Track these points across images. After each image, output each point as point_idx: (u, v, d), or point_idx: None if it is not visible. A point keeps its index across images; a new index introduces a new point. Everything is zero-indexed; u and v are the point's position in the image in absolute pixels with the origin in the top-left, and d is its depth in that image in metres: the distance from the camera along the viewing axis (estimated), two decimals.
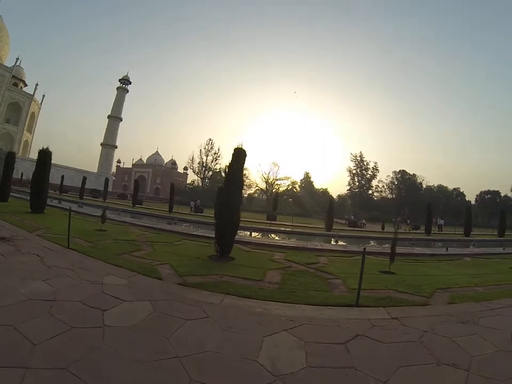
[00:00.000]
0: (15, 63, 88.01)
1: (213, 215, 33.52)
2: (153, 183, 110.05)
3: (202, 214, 37.76)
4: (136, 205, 38.22)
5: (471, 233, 32.62)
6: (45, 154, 18.20)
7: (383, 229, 35.69)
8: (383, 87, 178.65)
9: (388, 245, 15.36)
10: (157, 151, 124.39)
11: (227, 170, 10.33)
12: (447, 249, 16.33)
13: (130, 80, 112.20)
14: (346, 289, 7.41)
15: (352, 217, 49.09)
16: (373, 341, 4.56)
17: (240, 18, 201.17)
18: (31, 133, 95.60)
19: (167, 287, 6.52)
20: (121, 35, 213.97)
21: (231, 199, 10.00)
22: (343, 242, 21.63)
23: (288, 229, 27.57)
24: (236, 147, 10.14)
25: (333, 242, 20.37)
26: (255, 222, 32.66)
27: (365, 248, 8.26)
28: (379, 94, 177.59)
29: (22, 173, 63.27)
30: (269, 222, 34.55)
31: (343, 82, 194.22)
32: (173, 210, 35.58)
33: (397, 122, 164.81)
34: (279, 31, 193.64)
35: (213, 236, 10.38)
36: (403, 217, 47.05)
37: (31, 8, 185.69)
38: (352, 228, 36.67)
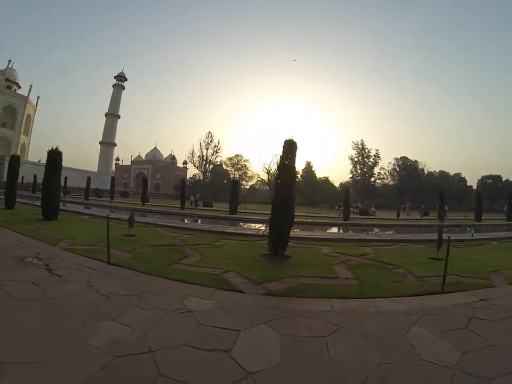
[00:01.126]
0: (8, 65, 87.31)
1: (222, 209, 34.83)
2: (153, 179, 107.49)
3: (211, 208, 36.91)
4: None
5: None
6: (55, 155, 16.39)
7: (398, 216, 36.05)
8: (381, 75, 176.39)
9: (417, 233, 16.74)
10: (155, 146, 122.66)
11: (279, 163, 9.83)
12: (472, 234, 16.63)
13: (126, 77, 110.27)
14: (415, 277, 7.51)
15: (360, 205, 48.25)
16: (485, 321, 4.84)
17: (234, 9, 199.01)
18: (27, 136, 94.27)
19: (260, 301, 5.75)
20: (115, 32, 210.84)
21: (286, 193, 9.39)
22: (367, 231, 21.30)
23: (309, 220, 26.67)
24: (287, 139, 9.63)
25: (361, 232, 19.97)
26: (267, 213, 31.18)
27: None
28: (378, 82, 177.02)
29: (23, 176, 60.25)
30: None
31: (342, 71, 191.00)
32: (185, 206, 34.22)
33: (398, 110, 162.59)
34: (276, 18, 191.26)
35: (249, 233, 11.03)
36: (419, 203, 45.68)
37: (20, 7, 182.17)
38: (365, 216, 35.96)
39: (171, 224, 16.53)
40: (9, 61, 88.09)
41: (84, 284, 6.06)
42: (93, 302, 5.19)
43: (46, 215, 15.88)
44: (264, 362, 3.53)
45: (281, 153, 9.72)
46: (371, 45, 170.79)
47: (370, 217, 35.60)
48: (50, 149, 16.41)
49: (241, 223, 23.77)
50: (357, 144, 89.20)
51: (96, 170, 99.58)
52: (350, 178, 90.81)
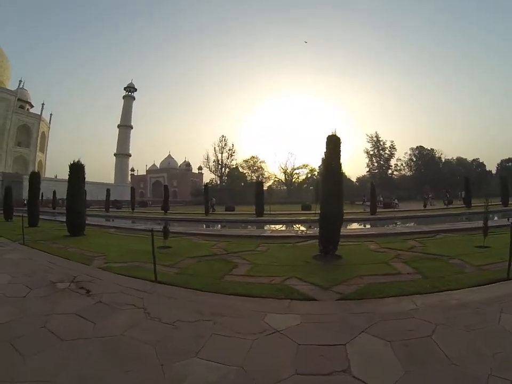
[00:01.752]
0: (19, 85, 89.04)
1: (247, 212, 33.92)
2: (170, 186, 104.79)
3: (234, 212, 36.17)
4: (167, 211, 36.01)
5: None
6: (77, 168, 15.55)
7: (425, 207, 35.20)
8: (395, 64, 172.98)
9: (452, 222, 16.65)
10: (169, 154, 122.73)
11: (325, 159, 9.70)
12: (508, 219, 16.09)
13: (136, 87, 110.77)
14: (473, 267, 7.21)
15: (381, 198, 46.74)
16: None
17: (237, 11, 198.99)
18: (43, 153, 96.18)
19: (343, 308, 5.20)
20: (122, 43, 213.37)
21: (335, 190, 8.99)
22: (400, 223, 20.89)
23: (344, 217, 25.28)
24: (330, 134, 9.35)
25: (392, 225, 19.60)
26: (297, 213, 30.86)
27: None
28: (389, 71, 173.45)
29: (42, 193, 60.33)
30: (304, 212, 33.29)
31: (354, 64, 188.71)
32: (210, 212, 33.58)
33: (411, 99, 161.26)
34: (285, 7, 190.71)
35: (288, 235, 10.26)
36: (444, 193, 44.28)
37: (26, 27, 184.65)
38: (390, 209, 35.23)
39: (204, 232, 15.82)
40: (20, 81, 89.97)
41: (140, 312, 5.07)
42: (161, 335, 4.22)
43: (72, 231, 15.05)
44: (391, 375, 3.16)
45: (325, 150, 9.43)
46: (384, 30, 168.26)
47: (395, 209, 34.72)
48: (72, 163, 15.56)
49: (271, 226, 23.10)
50: (372, 137, 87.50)
51: (111, 182, 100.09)
52: (367, 172, 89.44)
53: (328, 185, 9.15)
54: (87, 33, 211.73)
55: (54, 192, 49.40)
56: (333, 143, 9.32)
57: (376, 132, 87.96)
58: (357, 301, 5.40)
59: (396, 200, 42.87)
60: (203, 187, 37.80)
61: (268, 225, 23.26)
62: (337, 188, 9.04)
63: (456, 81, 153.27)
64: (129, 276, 7.38)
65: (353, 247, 10.40)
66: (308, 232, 15.42)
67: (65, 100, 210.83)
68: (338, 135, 9.35)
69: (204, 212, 32.56)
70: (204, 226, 22.61)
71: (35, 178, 20.04)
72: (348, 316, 4.79)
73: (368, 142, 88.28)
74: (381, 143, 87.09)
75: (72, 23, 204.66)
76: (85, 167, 15.81)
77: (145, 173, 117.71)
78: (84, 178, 15.86)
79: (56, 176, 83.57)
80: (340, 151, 9.42)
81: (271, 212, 31.31)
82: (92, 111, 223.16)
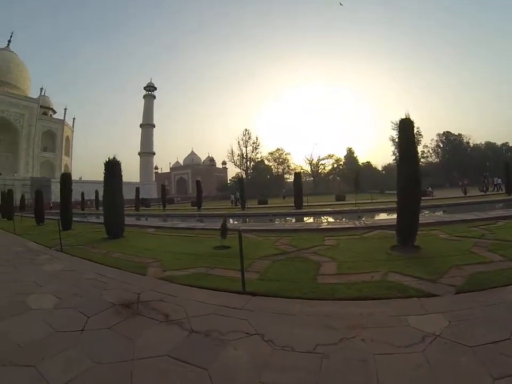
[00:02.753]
0: (40, 93, 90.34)
1: (283, 205, 33.01)
2: (194, 182, 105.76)
3: (269, 205, 34.83)
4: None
5: None
6: (113, 166, 14.07)
7: (465, 194, 33.56)
8: (421, 48, 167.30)
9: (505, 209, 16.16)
10: (192, 150, 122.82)
11: (399, 144, 9.47)
12: None
13: (155, 86, 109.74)
14: None
15: None
16: None
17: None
18: (69, 156, 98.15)
19: (469, 302, 4.49)
20: (140, 42, 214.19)
21: (413, 177, 8.40)
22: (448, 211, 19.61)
23: (389, 206, 23.78)
24: (403, 118, 9.04)
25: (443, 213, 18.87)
26: (335, 204, 31.04)
27: None
28: (417, 57, 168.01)
29: (83, 192, 62.11)
30: (340, 202, 32.51)
31: (378, 49, 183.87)
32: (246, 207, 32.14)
33: (438, 83, 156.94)
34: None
35: (349, 226, 10.16)
36: (482, 179, 41.58)
37: (43, 33, 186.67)
38: (428, 197, 32.59)
39: (258, 227, 14.20)
40: (41, 89, 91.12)
41: (258, 341, 3.70)
42: (314, 373, 3.01)
43: (111, 233, 13.62)
44: None
45: (398, 134, 9.31)
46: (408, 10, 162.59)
47: (433, 197, 32.26)
48: (107, 160, 14.09)
49: (317, 217, 22.07)
50: (397, 124, 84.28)
51: (135, 180, 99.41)
52: (393, 160, 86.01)
53: (405, 171, 8.54)
54: (103, 34, 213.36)
55: (82, 194, 48.86)
56: (407, 127, 9.00)
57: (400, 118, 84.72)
58: (477, 293, 4.82)
59: (430, 188, 40.78)
60: (236, 180, 36.16)
61: (314, 217, 22.13)
62: (415, 174, 8.45)
63: (483, 65, 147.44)
64: (205, 287, 5.88)
65: (422, 237, 9.22)
66: (366, 222, 14.37)
67: (86, 103, 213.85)
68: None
69: (240, 207, 31.49)
70: (247, 221, 21.06)
71: (66, 179, 18.83)
72: (486, 309, 4.23)
73: (394, 129, 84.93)
74: None
75: (88, 25, 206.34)
76: (121, 164, 14.36)
77: (169, 170, 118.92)
78: (121, 176, 14.38)
79: (80, 178, 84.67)
80: (414, 135, 9.18)
81: (309, 204, 30.01)
82: (112, 113, 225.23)
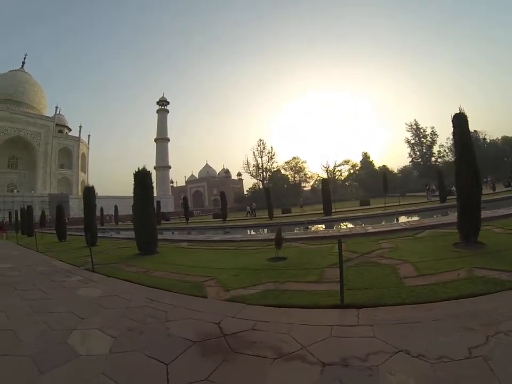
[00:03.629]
0: (55, 111, 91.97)
1: (310, 212, 31.86)
2: (210, 195, 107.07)
3: (293, 214, 33.77)
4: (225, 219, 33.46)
5: None
6: (143, 176, 12.84)
7: (494, 190, 32.29)
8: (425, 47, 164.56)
9: None
10: (207, 163, 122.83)
11: (455, 140, 8.81)
12: None
13: (168, 100, 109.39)
14: None
15: (434, 187, 42.97)
16: None
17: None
18: (85, 173, 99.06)
19: None
20: (152, 57, 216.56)
21: (472, 172, 8.11)
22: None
23: (419, 207, 25.12)
24: (458, 112, 8.53)
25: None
26: (362, 208, 30.73)
27: None
28: (421, 53, 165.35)
29: (102, 207, 61.85)
30: (367, 207, 32.10)
31: (387, 49, 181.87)
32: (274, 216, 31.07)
33: (450, 80, 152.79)
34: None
35: (396, 228, 10.28)
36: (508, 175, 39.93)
37: (56, 53, 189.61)
38: (453, 196, 30.92)
39: (303, 236, 13.46)
40: (56, 107, 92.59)
41: (406, 358, 3.07)
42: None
43: (143, 249, 12.30)
44: None
45: (454, 130, 8.74)
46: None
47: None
48: (137, 170, 12.83)
49: (352, 222, 21.36)
50: (411, 125, 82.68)
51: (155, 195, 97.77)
52: (410, 162, 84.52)
53: (463, 167, 8.29)
54: (116, 51, 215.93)
55: (101, 209, 47.71)
56: (462, 122, 8.52)
57: (415, 120, 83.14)
58: None
59: (453, 187, 38.60)
60: (253, 191, 34.99)
61: (347, 223, 21.80)
62: (474, 169, 8.17)
63: (491, 60, 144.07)
64: (294, 306, 4.94)
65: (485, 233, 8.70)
66: (411, 223, 14.72)
67: (100, 120, 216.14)
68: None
69: (268, 217, 30.36)
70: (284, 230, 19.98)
71: (90, 193, 17.59)
72: None
73: (408, 131, 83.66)
74: (421, 130, 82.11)
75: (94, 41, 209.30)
76: (151, 175, 13.13)
77: (184, 184, 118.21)
78: (152, 187, 13.18)
79: (96, 194, 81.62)
80: (469, 129, 8.67)
81: (337, 210, 29.26)
82: (127, 128, 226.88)
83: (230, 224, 26.53)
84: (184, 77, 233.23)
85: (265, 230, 22.94)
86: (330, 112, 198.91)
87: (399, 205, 28.15)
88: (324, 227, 20.95)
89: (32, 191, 75.86)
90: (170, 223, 41.33)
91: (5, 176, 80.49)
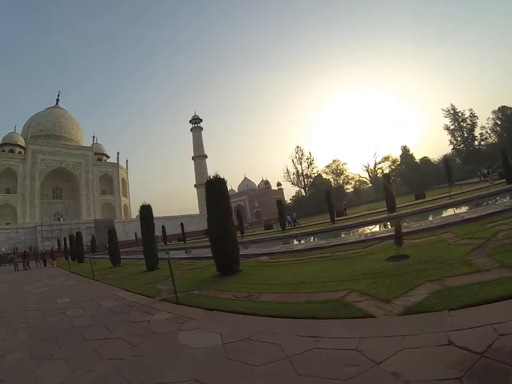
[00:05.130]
0: (93, 141, 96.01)
1: (357, 214, 30.15)
2: (252, 208, 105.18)
3: (352, 216, 31.25)
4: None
5: None
6: (218, 184, 10.63)
7: None
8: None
9: None
10: (245, 176, 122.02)
11: None
12: None
13: (201, 118, 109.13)
14: None
15: (486, 171, 41.31)
16: None
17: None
18: (126, 197, 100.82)
19: None
20: (179, 79, 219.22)
21: None
22: None
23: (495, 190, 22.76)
24: None
25: None
26: (422, 201, 28.74)
27: None
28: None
29: (135, 233, 62.67)
30: (422, 200, 30.10)
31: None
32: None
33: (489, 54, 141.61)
34: None
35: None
36: None
37: (89, 85, 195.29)
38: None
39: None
40: (93, 137, 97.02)
41: None
42: None
43: (224, 268, 10.06)
44: None
45: None
46: None
47: None
48: (209, 178, 10.73)
49: (427, 215, 19.96)
50: (448, 110, 77.67)
51: (194, 213, 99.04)
52: (452, 149, 79.07)
53: None
54: (145, 76, 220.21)
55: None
56: None
57: (451, 104, 77.97)
58: None
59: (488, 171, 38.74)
60: (295, 199, 33.38)
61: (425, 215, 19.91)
62: None
63: None
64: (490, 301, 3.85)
65: None
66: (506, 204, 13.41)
67: (136, 144, 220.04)
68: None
69: (330, 221, 28.52)
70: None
71: (147, 211, 15.45)
72: None
73: (446, 116, 78.51)
74: (459, 114, 76.71)
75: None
76: (226, 183, 10.83)
77: None
78: (229, 197, 10.97)
79: (137, 217, 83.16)
80: None
81: (398, 206, 26.87)
82: (162, 149, 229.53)
83: (295, 233, 24.58)
84: (214, 93, 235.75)
85: (342, 232, 21.21)
86: (363, 110, 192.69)
87: (463, 192, 26.23)
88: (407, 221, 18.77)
89: (76, 219, 77.42)
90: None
91: (51, 206, 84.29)
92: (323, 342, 3.84)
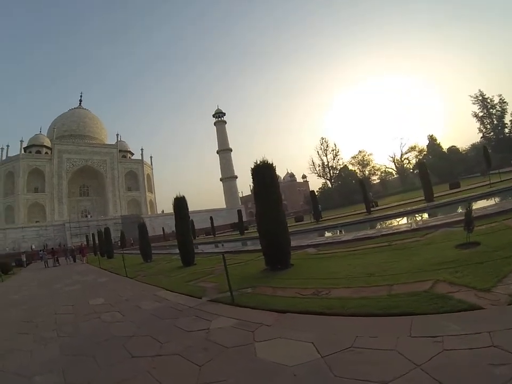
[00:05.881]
0: (117, 139, 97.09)
1: (393, 204, 28.80)
2: None
3: (386, 207, 29.47)
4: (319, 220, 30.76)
5: None
6: (265, 170, 9.56)
7: None
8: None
9: None
10: None
11: None
12: None
13: (224, 111, 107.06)
14: None
15: None
16: None
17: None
18: (152, 193, 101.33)
19: None
20: (205, 69, 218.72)
21: None
22: None
23: None
24: None
25: None
26: (461, 190, 27.24)
27: None
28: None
29: (163, 228, 64.65)
30: (457, 190, 28.36)
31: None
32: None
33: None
34: None
35: None
36: None
37: (110, 83, 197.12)
38: None
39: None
40: (117, 135, 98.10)
41: None
42: None
43: (274, 262, 9.02)
44: None
45: None
46: None
47: None
48: (257, 164, 9.60)
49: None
50: (476, 97, 72.91)
51: (214, 207, 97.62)
52: (481, 137, 73.74)
53: None
54: (167, 72, 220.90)
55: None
56: None
57: (479, 90, 73.15)
58: None
59: None
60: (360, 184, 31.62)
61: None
62: None
63: None
64: None
65: None
66: None
67: (159, 139, 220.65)
68: None
69: (366, 211, 27.41)
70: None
71: (181, 203, 14.45)
72: None
73: (474, 103, 73.58)
74: (488, 100, 71.85)
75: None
76: (275, 169, 9.69)
77: (250, 193, 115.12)
78: (278, 184, 9.81)
79: (163, 211, 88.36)
80: None
81: (436, 195, 25.51)
82: (186, 143, 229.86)
83: (331, 224, 23.57)
84: (235, 86, 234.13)
85: (379, 222, 20.68)
86: (388, 99, 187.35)
87: (502, 181, 25.06)
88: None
89: (103, 216, 78.31)
90: (251, 231, 38.61)
91: (79, 203, 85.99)
92: (448, 342, 3.13)
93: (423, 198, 24.97)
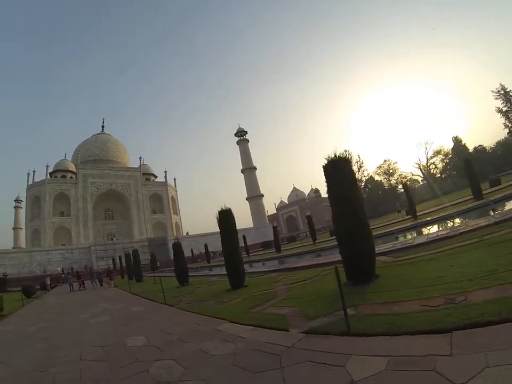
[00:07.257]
0: (140, 162, 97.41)
1: (427, 211, 27.29)
2: (303, 217, 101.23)
3: (423, 213, 27.32)
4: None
5: None
6: (345, 165, 8.46)
7: None
8: None
9: None
10: (294, 187, 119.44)
11: None
12: None
13: (246, 130, 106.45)
14: None
15: None
16: None
17: None
18: (177, 215, 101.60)
19: None
20: (226, 89, 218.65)
21: None
22: None
23: None
24: None
25: None
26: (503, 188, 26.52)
27: None
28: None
29: (191, 249, 61.83)
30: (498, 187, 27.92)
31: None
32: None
33: None
34: None
35: None
36: None
37: (132, 108, 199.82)
38: None
39: None
40: (140, 158, 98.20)
41: None
42: None
43: (360, 274, 7.48)
44: None
45: None
46: None
47: None
48: (332, 157, 8.19)
49: None
50: (498, 91, 69.00)
51: (240, 227, 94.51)
52: (508, 134, 69.52)
53: None
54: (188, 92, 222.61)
55: (206, 246, 48.89)
56: None
57: (501, 84, 69.12)
58: None
59: None
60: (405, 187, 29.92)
61: None
62: None
63: None
64: None
65: None
66: None
67: (182, 162, 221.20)
68: None
69: (412, 217, 27.16)
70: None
71: (227, 217, 12.83)
72: None
73: (496, 98, 69.53)
74: (511, 94, 67.81)
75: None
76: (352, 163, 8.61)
77: (275, 211, 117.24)
78: (357, 182, 8.65)
79: (188, 233, 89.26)
80: None
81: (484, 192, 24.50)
82: (209, 164, 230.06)
83: (396, 228, 22.62)
84: (254, 102, 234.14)
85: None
86: (406, 105, 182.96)
87: None
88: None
89: (128, 238, 78.45)
90: (288, 248, 37.05)
91: (104, 227, 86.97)
92: None
93: (469, 197, 23.70)
